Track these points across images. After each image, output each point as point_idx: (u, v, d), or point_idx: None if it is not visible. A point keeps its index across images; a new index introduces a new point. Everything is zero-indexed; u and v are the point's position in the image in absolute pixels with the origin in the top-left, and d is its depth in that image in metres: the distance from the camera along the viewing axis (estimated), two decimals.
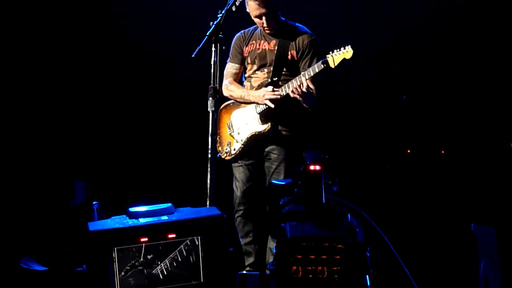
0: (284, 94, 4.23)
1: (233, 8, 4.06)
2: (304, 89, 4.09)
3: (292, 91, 4.16)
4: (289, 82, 4.21)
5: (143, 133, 5.99)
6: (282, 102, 4.25)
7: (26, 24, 5.71)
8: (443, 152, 5.24)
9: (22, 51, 5.70)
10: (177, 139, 5.89)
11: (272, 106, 4.23)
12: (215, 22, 3.85)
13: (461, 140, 5.29)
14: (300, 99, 4.17)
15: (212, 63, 3.85)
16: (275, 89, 4.25)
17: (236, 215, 4.41)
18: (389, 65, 5.71)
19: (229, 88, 4.45)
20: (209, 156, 3.86)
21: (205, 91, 3.97)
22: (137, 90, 6.00)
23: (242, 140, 4.40)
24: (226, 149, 4.46)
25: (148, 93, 6.00)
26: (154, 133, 5.98)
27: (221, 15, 3.86)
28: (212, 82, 3.87)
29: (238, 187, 4.44)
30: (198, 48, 3.94)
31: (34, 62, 5.74)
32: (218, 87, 3.88)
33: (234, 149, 4.42)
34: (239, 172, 4.46)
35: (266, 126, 4.32)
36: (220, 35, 3.85)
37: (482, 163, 5.03)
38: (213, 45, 3.88)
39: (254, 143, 4.38)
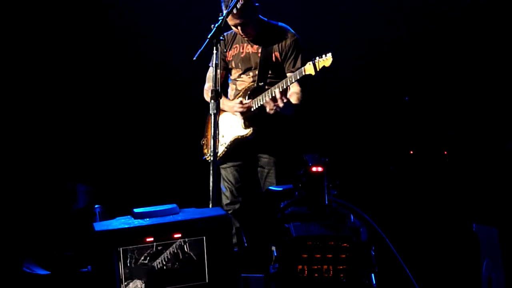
0: (257, 106, 4.24)
1: (234, 11, 4.07)
2: (279, 103, 4.08)
3: (266, 106, 4.16)
4: (264, 94, 4.21)
5: (144, 136, 5.99)
6: (264, 109, 4.25)
7: (28, 27, 5.71)
8: (446, 152, 5.25)
9: (25, 55, 5.70)
10: (178, 142, 5.90)
11: (241, 117, 4.28)
12: (216, 25, 3.82)
13: (464, 140, 5.29)
14: (278, 111, 4.16)
15: (213, 65, 3.83)
16: (244, 101, 4.27)
17: None
18: (391, 66, 5.72)
19: (208, 93, 4.45)
20: (211, 158, 3.85)
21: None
22: (138, 94, 6.01)
23: (225, 143, 4.41)
24: (211, 152, 4.47)
25: (149, 96, 6.02)
26: (155, 136, 5.98)
27: (222, 17, 3.85)
28: (214, 85, 3.86)
29: (227, 188, 4.45)
30: (200, 51, 3.93)
31: (37, 66, 5.74)
32: (220, 90, 3.86)
33: (217, 152, 4.42)
34: (227, 173, 4.47)
35: (248, 131, 4.34)
36: (221, 38, 3.83)
37: (485, 164, 5.04)
38: (214, 47, 3.86)
39: (237, 147, 4.39)
